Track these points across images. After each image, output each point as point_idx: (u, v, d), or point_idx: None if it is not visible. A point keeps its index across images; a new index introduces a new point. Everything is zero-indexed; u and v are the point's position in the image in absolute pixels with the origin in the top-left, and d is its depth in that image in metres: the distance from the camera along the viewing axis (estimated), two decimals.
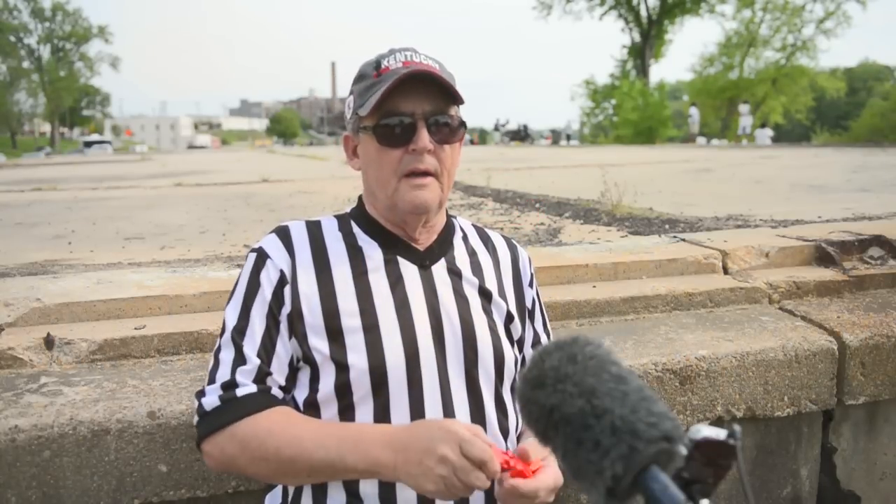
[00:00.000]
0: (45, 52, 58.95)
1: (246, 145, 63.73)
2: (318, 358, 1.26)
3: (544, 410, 0.65)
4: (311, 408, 1.28)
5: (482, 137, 52.97)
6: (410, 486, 1.14)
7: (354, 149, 1.39)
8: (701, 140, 26.59)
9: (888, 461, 2.27)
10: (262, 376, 1.26)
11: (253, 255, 1.34)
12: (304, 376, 1.30)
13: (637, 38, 38.43)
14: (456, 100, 1.31)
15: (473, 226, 1.52)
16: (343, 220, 1.41)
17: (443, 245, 1.40)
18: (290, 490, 1.30)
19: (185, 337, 1.95)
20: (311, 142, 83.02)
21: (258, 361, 1.26)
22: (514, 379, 1.39)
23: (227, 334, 1.28)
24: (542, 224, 4.13)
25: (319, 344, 1.26)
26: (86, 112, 72.27)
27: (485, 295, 1.39)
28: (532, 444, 1.23)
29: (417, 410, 1.26)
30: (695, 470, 0.60)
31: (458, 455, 1.10)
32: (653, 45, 37.60)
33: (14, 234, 4.28)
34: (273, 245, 1.33)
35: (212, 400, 1.24)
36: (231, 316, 1.30)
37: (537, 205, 5.22)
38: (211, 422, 1.23)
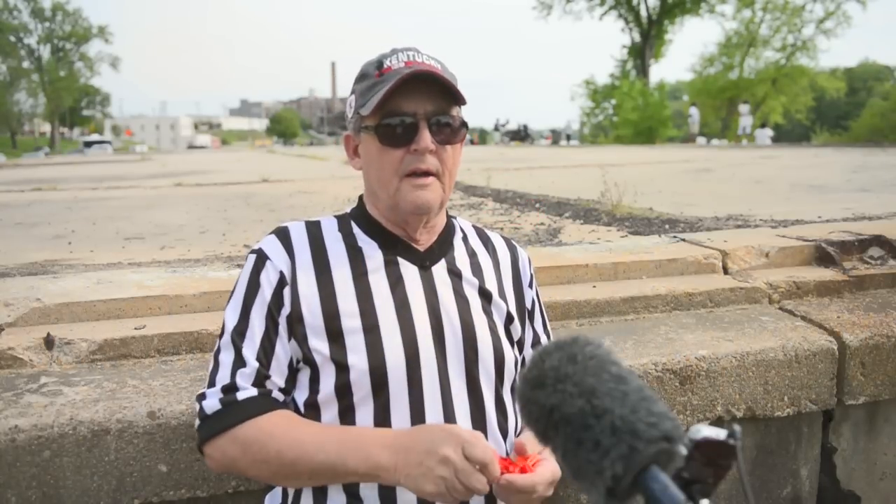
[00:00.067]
0: (45, 52, 59.01)
1: (246, 145, 63.73)
2: (318, 359, 1.26)
3: (544, 410, 0.65)
4: (312, 409, 1.28)
5: (482, 137, 52.96)
6: (410, 488, 1.14)
7: (355, 148, 1.39)
8: (701, 140, 26.59)
9: (888, 461, 2.27)
10: (261, 379, 1.26)
11: (252, 257, 1.34)
12: (303, 377, 1.30)
13: (637, 38, 38.43)
14: (458, 100, 1.31)
15: (473, 226, 1.52)
16: (343, 221, 1.41)
17: (443, 245, 1.40)
18: (290, 491, 1.30)
19: (185, 337, 1.95)
20: (311, 142, 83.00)
21: (257, 365, 1.26)
22: (515, 380, 1.39)
23: (227, 335, 1.29)
24: (542, 224, 4.13)
25: (319, 345, 1.26)
26: (86, 112, 72.29)
27: (485, 296, 1.39)
28: (529, 437, 1.23)
29: (418, 411, 1.26)
30: (695, 470, 0.60)
31: (460, 456, 1.10)
32: (653, 45, 37.59)
33: (14, 234, 4.28)
34: (272, 246, 1.33)
35: (212, 403, 1.24)
36: (231, 317, 1.30)
37: (537, 205, 5.22)
38: (212, 425, 1.24)
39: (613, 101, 34.56)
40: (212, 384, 1.26)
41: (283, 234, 1.35)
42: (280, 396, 1.29)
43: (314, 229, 1.37)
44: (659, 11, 37.48)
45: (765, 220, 3.88)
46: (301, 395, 1.30)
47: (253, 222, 4.64)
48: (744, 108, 26.78)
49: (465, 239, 1.46)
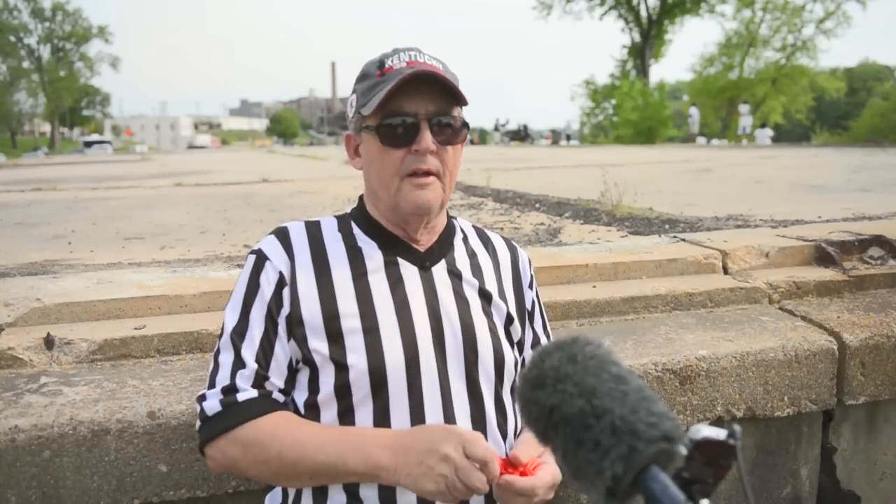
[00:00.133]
0: (45, 52, 59.03)
1: (246, 145, 63.74)
2: (317, 359, 1.26)
3: (544, 410, 0.65)
4: (311, 409, 1.28)
5: (482, 137, 52.97)
6: (410, 488, 1.14)
7: (356, 148, 1.38)
8: (701, 140, 26.59)
9: (888, 461, 2.27)
10: (260, 380, 1.26)
11: (252, 257, 1.34)
12: (303, 378, 1.30)
13: (637, 38, 38.43)
14: (459, 101, 1.30)
15: (473, 227, 1.52)
16: (343, 221, 1.41)
17: (443, 246, 1.40)
18: (291, 491, 1.30)
19: (185, 337, 1.95)
20: (311, 142, 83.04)
21: (256, 366, 1.26)
22: (514, 380, 1.39)
23: (226, 336, 1.29)
24: (542, 224, 4.13)
25: (319, 345, 1.26)
26: (86, 112, 72.31)
27: (485, 296, 1.39)
28: (523, 450, 1.23)
29: (417, 412, 1.26)
30: (695, 470, 0.60)
31: (460, 454, 1.10)
32: (653, 45, 37.60)
33: (14, 234, 4.28)
34: (272, 247, 1.33)
35: (213, 404, 1.24)
36: (230, 318, 1.30)
37: (537, 205, 5.22)
38: (213, 426, 1.24)
39: (613, 101, 34.56)
40: (212, 385, 1.26)
41: (282, 235, 1.35)
42: (280, 397, 1.29)
43: (314, 229, 1.37)
44: (659, 11, 37.49)
45: (765, 220, 3.88)
46: (301, 395, 1.30)
47: (253, 222, 4.64)
48: (744, 108, 26.78)
49: (465, 239, 1.46)
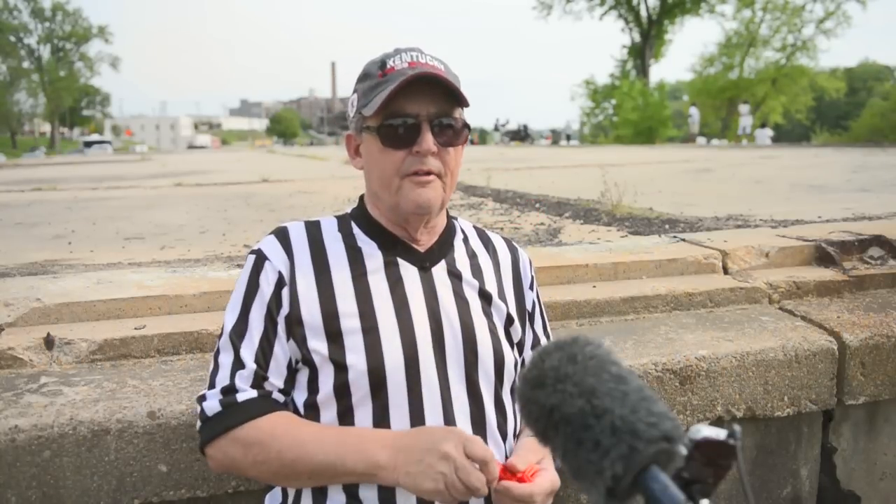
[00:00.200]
0: (45, 52, 59.03)
1: (246, 145, 63.76)
2: (316, 359, 1.26)
3: (544, 410, 0.65)
4: (311, 410, 1.28)
5: (482, 137, 52.96)
6: (409, 487, 1.14)
7: (357, 148, 1.38)
8: (701, 140, 26.59)
9: (888, 461, 2.27)
10: (259, 380, 1.26)
11: (252, 257, 1.34)
12: (302, 378, 1.30)
13: (637, 38, 38.43)
14: (461, 102, 1.30)
15: (474, 227, 1.52)
16: (343, 221, 1.41)
17: (443, 246, 1.40)
18: (290, 491, 1.30)
19: (185, 337, 1.95)
20: (311, 142, 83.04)
21: (255, 366, 1.26)
22: (514, 381, 1.39)
23: (226, 336, 1.29)
24: (542, 224, 4.13)
25: (318, 345, 1.26)
26: (86, 112, 72.33)
27: (485, 297, 1.39)
28: (521, 457, 1.23)
29: (417, 413, 1.26)
30: (695, 470, 0.60)
31: (460, 453, 1.11)
32: (653, 45, 37.60)
33: (14, 234, 4.28)
34: (272, 247, 1.33)
35: (213, 405, 1.24)
36: (230, 318, 1.30)
37: (537, 205, 5.22)
38: (213, 426, 1.24)
39: (613, 101, 34.57)
40: (212, 386, 1.26)
41: (282, 235, 1.35)
42: (280, 397, 1.29)
43: (314, 229, 1.37)
44: (659, 11, 37.49)
45: (765, 220, 3.88)
46: (300, 395, 1.30)
47: (253, 222, 4.64)
48: (744, 108, 26.78)
49: (465, 240, 1.46)
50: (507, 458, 1.33)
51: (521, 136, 36.48)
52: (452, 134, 1.29)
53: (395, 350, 1.27)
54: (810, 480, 2.19)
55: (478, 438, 1.15)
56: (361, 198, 1.43)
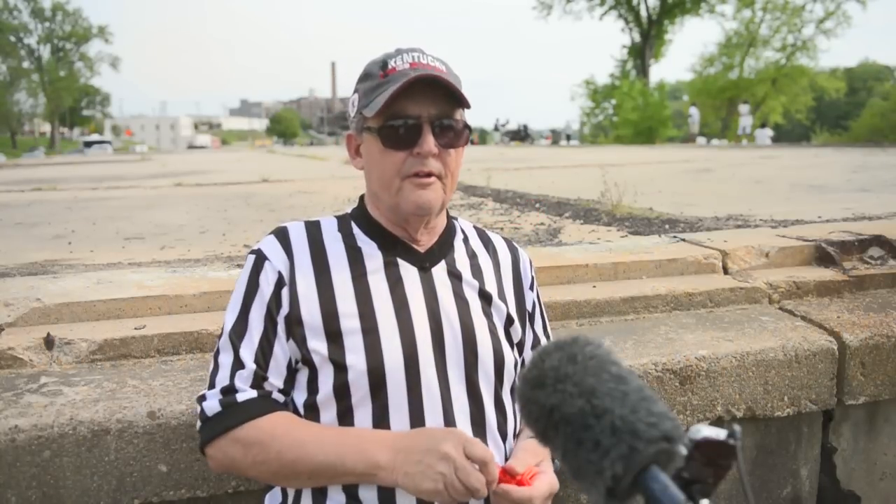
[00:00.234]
0: (45, 52, 59.02)
1: (246, 145, 63.77)
2: (316, 359, 1.26)
3: (544, 410, 0.65)
4: (311, 410, 1.28)
5: (482, 137, 52.96)
6: (408, 487, 1.14)
7: (357, 148, 1.38)
8: (701, 140, 26.59)
9: (888, 461, 2.27)
10: (259, 381, 1.26)
11: (252, 258, 1.34)
12: (302, 378, 1.30)
13: (637, 38, 38.43)
14: (462, 104, 1.30)
15: (474, 227, 1.51)
16: (343, 221, 1.40)
17: (443, 247, 1.40)
18: (290, 491, 1.30)
19: (185, 337, 1.95)
20: (311, 142, 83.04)
21: (254, 367, 1.26)
22: (514, 382, 1.39)
23: (226, 336, 1.29)
24: (542, 224, 4.13)
25: (318, 345, 1.26)
26: (86, 112, 72.34)
27: (485, 297, 1.39)
28: (520, 460, 1.23)
29: (417, 413, 1.26)
30: (695, 470, 0.60)
31: (460, 454, 1.11)
32: (653, 45, 37.60)
33: (14, 234, 4.28)
34: (271, 247, 1.33)
35: (213, 405, 1.24)
36: (230, 318, 1.30)
37: (537, 205, 5.22)
38: (213, 427, 1.24)
39: (613, 101, 34.58)
40: (212, 386, 1.27)
41: (282, 235, 1.35)
42: (280, 397, 1.29)
43: (314, 229, 1.37)
44: (659, 11, 37.49)
45: (765, 220, 3.88)
46: (300, 396, 1.30)
47: (253, 222, 4.64)
48: (744, 108, 26.78)
49: (465, 240, 1.45)
50: (507, 458, 1.33)
51: (521, 136, 36.48)
52: (453, 135, 1.29)
53: (395, 350, 1.26)
54: (810, 480, 2.19)
55: (477, 440, 1.16)
56: (361, 198, 1.43)
